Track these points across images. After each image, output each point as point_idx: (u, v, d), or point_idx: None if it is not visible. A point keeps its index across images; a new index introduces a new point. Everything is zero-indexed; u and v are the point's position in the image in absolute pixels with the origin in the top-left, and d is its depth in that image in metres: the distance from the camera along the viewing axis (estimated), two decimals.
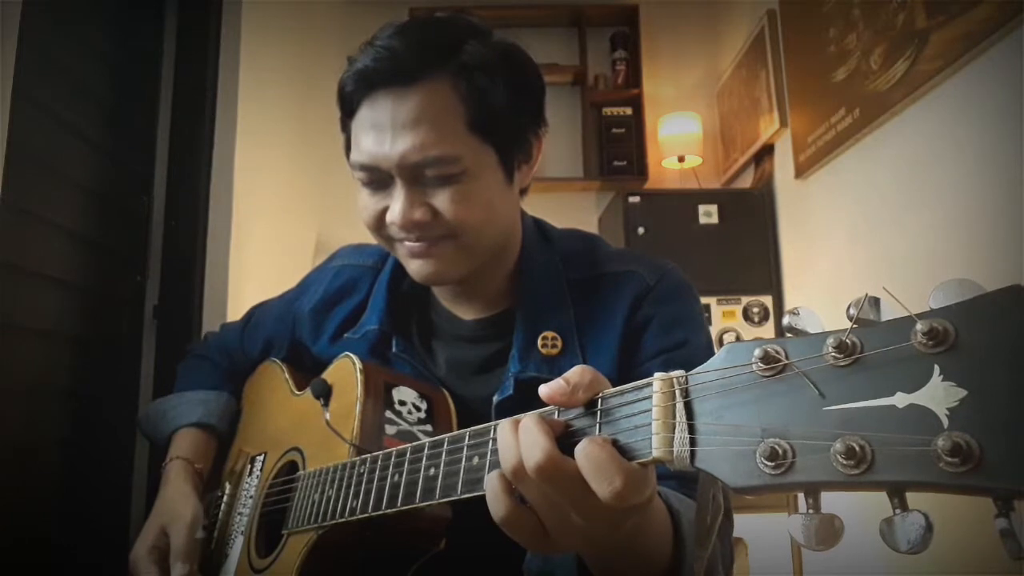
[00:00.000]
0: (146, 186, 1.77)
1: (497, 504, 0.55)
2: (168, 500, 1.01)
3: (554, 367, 0.89)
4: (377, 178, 0.86)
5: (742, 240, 2.88)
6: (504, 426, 0.55)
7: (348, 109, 0.88)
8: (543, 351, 0.91)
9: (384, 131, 0.83)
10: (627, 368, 0.90)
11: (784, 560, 2.44)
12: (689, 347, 0.91)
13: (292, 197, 2.53)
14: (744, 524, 2.32)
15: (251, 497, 1.00)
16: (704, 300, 2.75)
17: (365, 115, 0.85)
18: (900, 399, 0.36)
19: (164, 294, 1.77)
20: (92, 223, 1.54)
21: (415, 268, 0.89)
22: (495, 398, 0.90)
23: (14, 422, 1.30)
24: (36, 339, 1.37)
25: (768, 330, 2.81)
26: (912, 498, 0.37)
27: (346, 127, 0.91)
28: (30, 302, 1.34)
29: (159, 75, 1.83)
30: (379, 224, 0.88)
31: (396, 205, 0.84)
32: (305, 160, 2.62)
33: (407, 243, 0.88)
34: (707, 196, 3.00)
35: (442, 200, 0.84)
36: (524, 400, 0.87)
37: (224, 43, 1.90)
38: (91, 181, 1.54)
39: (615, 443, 0.50)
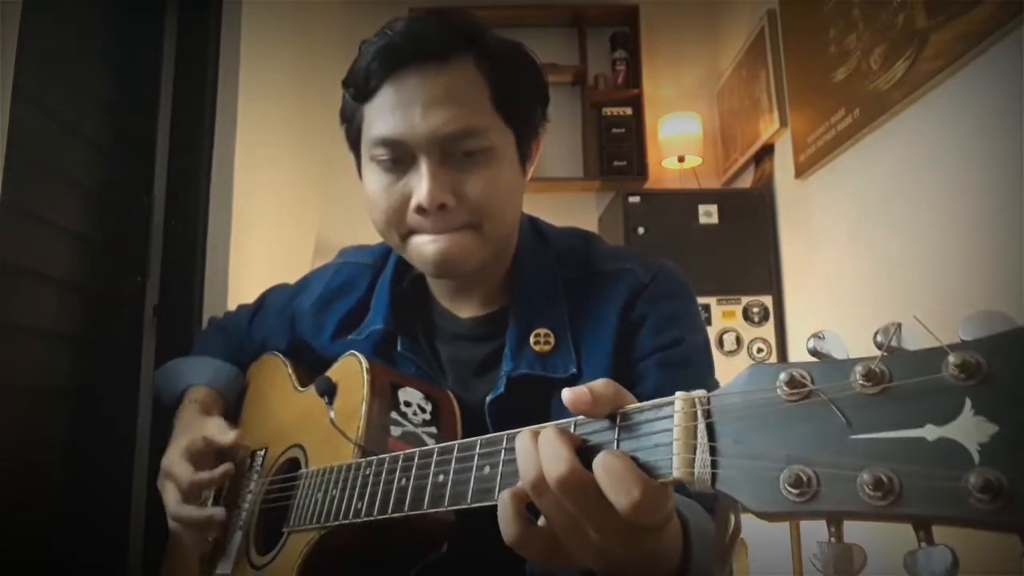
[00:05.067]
0: (146, 186, 1.77)
1: (509, 526, 0.54)
2: (189, 421, 1.02)
3: (547, 364, 0.89)
4: (398, 156, 0.84)
5: (742, 240, 2.88)
6: (524, 436, 0.54)
7: (365, 91, 0.86)
8: (535, 348, 0.90)
9: (413, 107, 0.82)
10: (622, 367, 0.90)
11: (784, 560, 2.44)
12: (685, 346, 0.91)
13: (292, 197, 2.51)
14: (744, 524, 2.32)
15: (251, 492, 0.99)
16: (704, 300, 2.76)
17: (389, 93, 0.84)
18: (930, 431, 0.35)
19: (164, 294, 1.76)
20: (92, 223, 1.53)
21: (432, 253, 0.86)
22: (487, 397, 0.90)
23: (13, 422, 1.29)
24: (36, 339, 1.36)
25: (768, 330, 2.81)
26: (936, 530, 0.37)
27: (353, 115, 0.89)
28: (30, 302, 1.34)
29: (159, 75, 1.82)
30: (398, 214, 0.86)
31: (423, 186, 0.83)
32: (305, 160, 2.61)
33: (425, 234, 0.86)
34: (707, 196, 3.01)
35: (470, 182, 0.84)
36: (515, 400, 0.87)
37: (224, 43, 1.89)
38: (91, 181, 1.53)
39: (635, 460, 0.49)
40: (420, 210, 0.84)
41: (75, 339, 1.48)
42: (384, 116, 0.84)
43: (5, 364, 1.25)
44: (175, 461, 0.95)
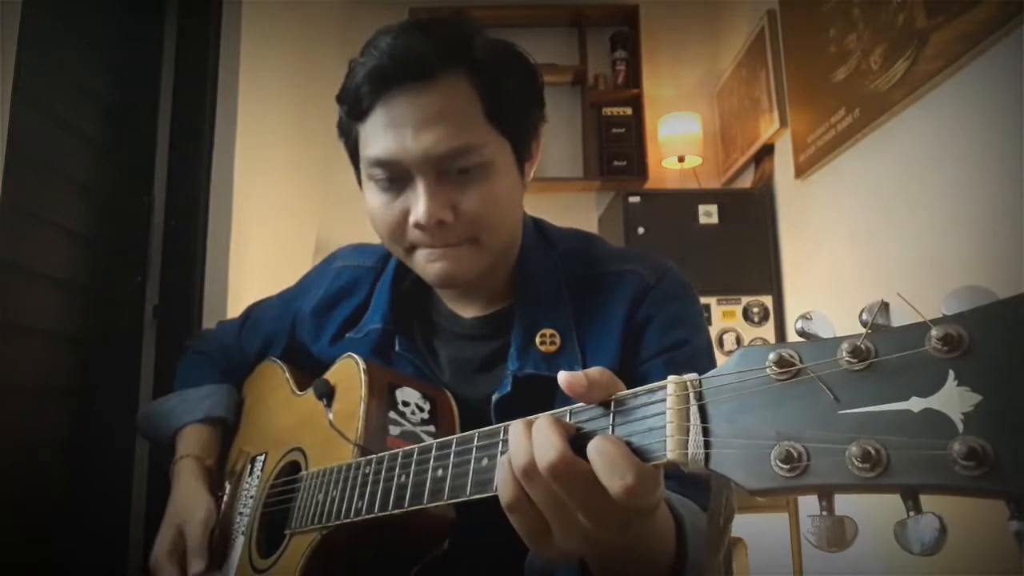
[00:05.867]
0: (146, 186, 1.77)
1: (506, 488, 0.54)
2: (182, 500, 1.01)
3: (552, 364, 0.89)
4: (394, 176, 0.85)
5: (742, 240, 2.88)
6: (517, 426, 0.55)
7: (358, 111, 0.86)
8: (541, 348, 0.90)
9: (404, 128, 0.82)
10: (628, 367, 0.90)
11: (784, 560, 2.44)
12: (689, 347, 0.91)
13: (292, 197, 2.52)
14: (744, 524, 2.32)
15: (252, 497, 0.99)
16: (704, 300, 2.75)
17: (380, 114, 0.84)
18: (915, 403, 0.36)
19: (164, 294, 1.77)
20: (92, 223, 1.53)
21: (435, 271, 0.88)
22: (494, 396, 0.90)
23: (14, 421, 1.29)
24: (36, 339, 1.37)
25: (768, 330, 2.81)
26: (924, 500, 0.37)
27: (349, 131, 0.90)
28: (30, 302, 1.34)
29: (159, 75, 1.83)
30: (400, 230, 0.87)
31: (420, 205, 0.83)
32: (305, 160, 2.62)
33: (426, 249, 0.87)
34: (707, 196, 3.00)
35: (467, 197, 0.84)
36: (522, 398, 0.87)
37: (224, 43, 1.90)
38: (91, 181, 1.54)
39: (629, 444, 0.50)
40: (419, 226, 0.84)
41: (75, 339, 1.49)
42: (377, 137, 0.84)
43: (5, 364, 1.26)
44: (163, 564, 0.95)
